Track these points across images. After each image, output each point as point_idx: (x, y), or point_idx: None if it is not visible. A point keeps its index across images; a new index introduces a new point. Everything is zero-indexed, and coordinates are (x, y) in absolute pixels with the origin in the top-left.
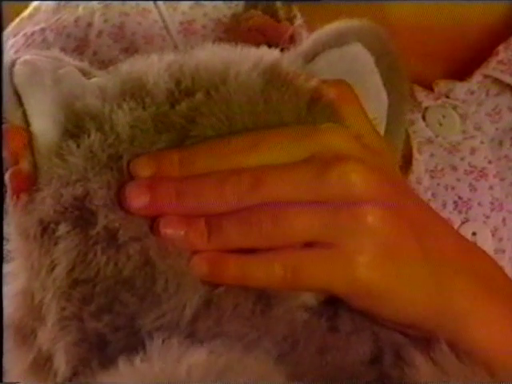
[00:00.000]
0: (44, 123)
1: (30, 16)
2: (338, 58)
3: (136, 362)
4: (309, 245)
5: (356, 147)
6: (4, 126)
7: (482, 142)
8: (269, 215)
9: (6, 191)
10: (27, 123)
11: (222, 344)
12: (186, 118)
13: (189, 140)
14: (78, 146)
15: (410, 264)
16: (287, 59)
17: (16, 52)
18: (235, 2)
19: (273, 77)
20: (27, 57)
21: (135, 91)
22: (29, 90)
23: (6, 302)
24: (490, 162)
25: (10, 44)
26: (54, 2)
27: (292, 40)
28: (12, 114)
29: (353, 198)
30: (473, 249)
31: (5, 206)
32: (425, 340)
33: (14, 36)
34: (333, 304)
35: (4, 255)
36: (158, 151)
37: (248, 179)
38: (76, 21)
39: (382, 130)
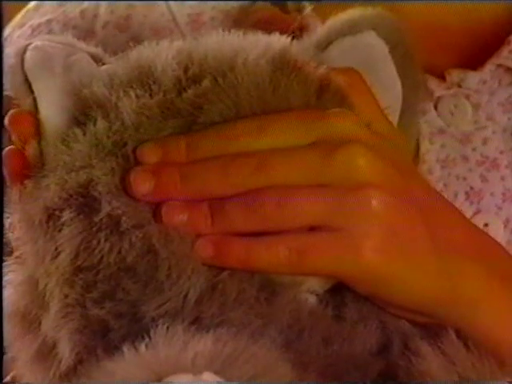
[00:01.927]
0: (52, 110)
1: (36, 8)
2: (352, 47)
3: (141, 349)
4: (314, 229)
5: (364, 132)
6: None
7: (494, 132)
8: (273, 198)
9: (5, 185)
10: (36, 109)
11: (227, 332)
12: (193, 105)
13: (196, 126)
14: (84, 134)
15: (418, 249)
16: (297, 47)
17: None
18: None
19: (281, 64)
20: (38, 43)
21: (143, 78)
22: (39, 77)
23: (8, 292)
24: (501, 153)
25: (16, 35)
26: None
27: (301, 31)
28: (22, 100)
29: (358, 181)
30: (483, 236)
31: (5, 197)
32: (433, 330)
33: (20, 27)
34: (339, 293)
35: (4, 250)
36: (164, 137)
37: (253, 162)
38: (82, 12)
39: (395, 120)
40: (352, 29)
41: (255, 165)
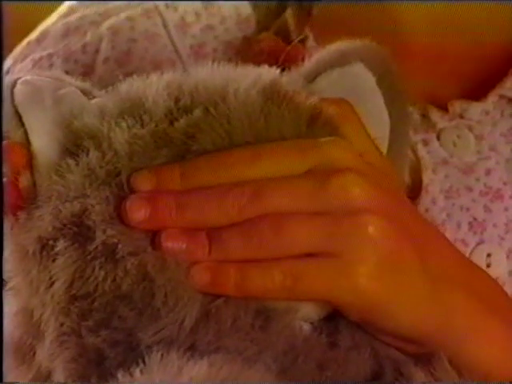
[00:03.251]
0: (44, 142)
1: (38, 41)
2: (339, 78)
3: (136, 374)
4: (309, 255)
5: (357, 160)
6: (4, 141)
7: (497, 163)
8: (269, 226)
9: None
10: (28, 142)
11: (222, 358)
12: (186, 134)
13: (189, 155)
14: (77, 164)
15: (410, 276)
16: (288, 78)
17: None
18: (246, 25)
19: (272, 94)
20: (28, 77)
21: (133, 109)
22: (29, 110)
23: (6, 320)
24: (505, 184)
25: (17, 69)
26: (61, 27)
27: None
28: (13, 133)
29: (353, 209)
30: (473, 267)
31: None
32: (425, 357)
33: (22, 61)
34: (333, 320)
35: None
36: (158, 165)
37: (248, 191)
38: (84, 47)
39: (384, 150)
40: (340, 60)
41: (251, 194)
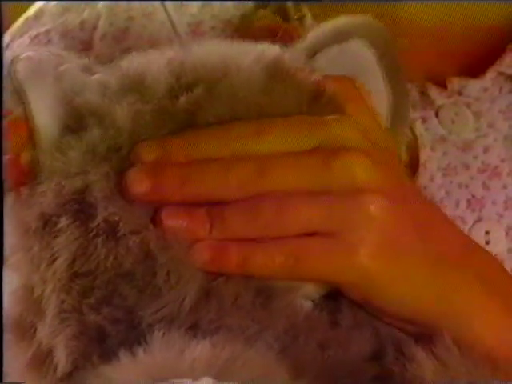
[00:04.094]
0: (45, 118)
1: (36, 17)
2: (339, 55)
3: (138, 354)
4: (311, 235)
5: (362, 140)
6: (4, 125)
7: (495, 140)
8: (272, 205)
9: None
10: (29, 118)
11: (223, 337)
12: (188, 111)
13: None
14: (78, 141)
15: (411, 255)
16: (289, 54)
17: None
18: (244, 3)
19: (276, 71)
20: (29, 53)
21: (135, 86)
22: (31, 86)
23: (5, 299)
24: (503, 161)
25: (15, 45)
26: (59, 3)
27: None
28: (14, 109)
29: (356, 188)
30: (473, 246)
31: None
32: (427, 334)
33: (20, 37)
34: (334, 299)
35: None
36: (162, 136)
37: (252, 167)
38: (81, 24)
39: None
40: (339, 37)
41: (255, 169)
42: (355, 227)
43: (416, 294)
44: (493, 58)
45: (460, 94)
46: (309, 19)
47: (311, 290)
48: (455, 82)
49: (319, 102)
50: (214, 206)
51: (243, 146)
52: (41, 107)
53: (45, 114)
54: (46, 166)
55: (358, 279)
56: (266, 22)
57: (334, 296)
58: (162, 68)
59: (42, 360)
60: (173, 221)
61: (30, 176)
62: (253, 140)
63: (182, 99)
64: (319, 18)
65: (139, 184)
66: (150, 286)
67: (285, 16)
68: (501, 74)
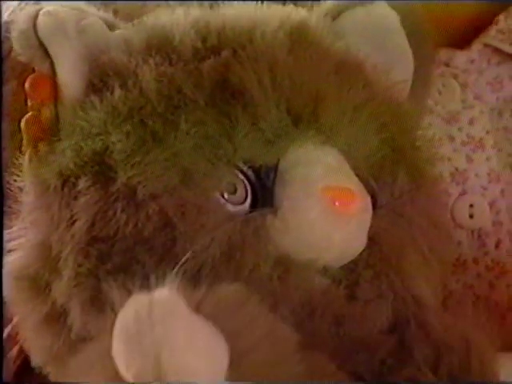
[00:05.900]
0: (69, 74)
1: None
2: (364, 17)
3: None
4: None
5: None
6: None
7: (481, 112)
8: None
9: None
10: (53, 73)
11: None
12: (215, 75)
13: (219, 96)
14: (101, 101)
15: None
16: (315, 17)
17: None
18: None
19: (300, 37)
20: (50, 8)
21: (161, 47)
22: (54, 41)
23: (17, 255)
24: (487, 133)
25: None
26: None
27: None
28: (39, 64)
29: None
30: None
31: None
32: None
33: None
34: (352, 272)
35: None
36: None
37: None
38: None
39: (407, 91)
40: None
41: None
42: None
43: None
44: (480, 30)
45: (447, 65)
46: None
47: (330, 261)
48: (442, 53)
49: (343, 70)
50: None
51: None
52: (65, 63)
53: (69, 70)
54: (67, 123)
55: None
56: None
57: (352, 269)
58: (187, 29)
59: (57, 318)
60: None
61: (50, 132)
62: None
63: (210, 62)
64: None
65: None
66: (169, 254)
67: None
68: (487, 45)
